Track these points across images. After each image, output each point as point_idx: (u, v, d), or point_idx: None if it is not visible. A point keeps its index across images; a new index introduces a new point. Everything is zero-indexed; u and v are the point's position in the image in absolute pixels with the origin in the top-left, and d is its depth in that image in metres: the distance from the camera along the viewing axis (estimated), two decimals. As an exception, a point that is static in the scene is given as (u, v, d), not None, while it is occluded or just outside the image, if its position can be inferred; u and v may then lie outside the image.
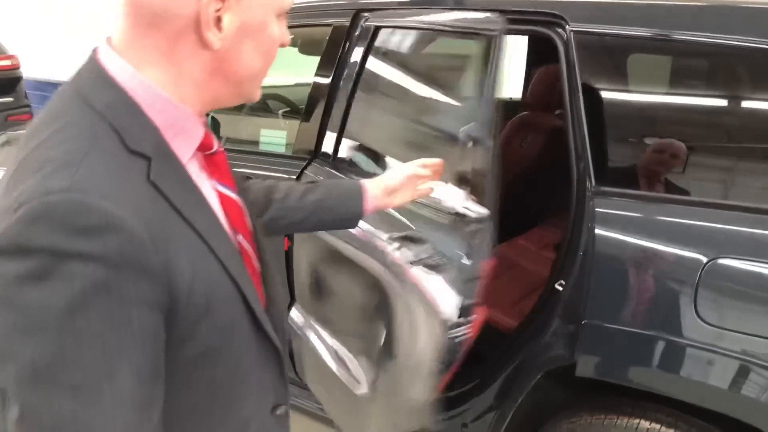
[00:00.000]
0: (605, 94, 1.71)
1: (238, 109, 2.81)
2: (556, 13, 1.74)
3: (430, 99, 2.01)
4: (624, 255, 1.60)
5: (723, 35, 1.54)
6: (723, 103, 1.65)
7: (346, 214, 1.38)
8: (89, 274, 0.65)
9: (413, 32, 2.07)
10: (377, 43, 2.08)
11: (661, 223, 1.59)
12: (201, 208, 0.80)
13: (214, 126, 2.69)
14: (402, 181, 1.42)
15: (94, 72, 0.78)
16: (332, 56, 2.22)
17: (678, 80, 1.69)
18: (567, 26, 1.72)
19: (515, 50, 3.07)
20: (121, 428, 0.67)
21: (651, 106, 1.73)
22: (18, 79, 6.40)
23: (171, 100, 0.78)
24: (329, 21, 2.28)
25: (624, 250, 1.60)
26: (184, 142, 0.81)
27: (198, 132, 0.83)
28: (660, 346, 1.54)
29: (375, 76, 2.12)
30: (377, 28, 2.10)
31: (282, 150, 2.41)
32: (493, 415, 1.84)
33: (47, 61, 7.24)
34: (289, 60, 2.66)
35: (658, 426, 1.60)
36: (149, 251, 0.68)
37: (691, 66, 1.67)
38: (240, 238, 0.89)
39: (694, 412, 1.59)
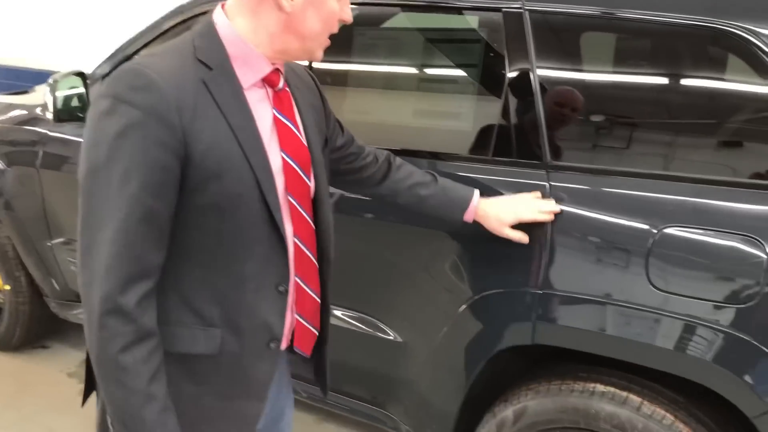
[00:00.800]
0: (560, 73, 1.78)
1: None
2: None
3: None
4: (578, 226, 1.67)
5: (667, 13, 1.61)
6: (668, 80, 1.73)
7: (441, 218, 1.66)
8: (131, 114, 1.02)
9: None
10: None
11: (612, 195, 1.65)
12: (242, 113, 1.13)
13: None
14: (517, 220, 1.63)
15: (206, 19, 1.17)
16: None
17: (625, 57, 1.75)
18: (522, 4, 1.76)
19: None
20: (121, 212, 1.02)
21: (602, 84, 1.80)
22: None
23: (244, 39, 1.14)
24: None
25: (578, 222, 1.67)
26: (248, 71, 1.15)
27: (262, 69, 1.16)
28: (614, 312, 1.62)
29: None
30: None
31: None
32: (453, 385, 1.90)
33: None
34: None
35: (612, 389, 1.67)
36: (172, 112, 1.04)
37: (638, 44, 1.74)
38: (284, 155, 1.19)
39: (645, 375, 1.68)
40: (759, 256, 1.47)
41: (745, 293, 1.48)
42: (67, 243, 2.80)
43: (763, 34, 1.51)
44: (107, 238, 1.03)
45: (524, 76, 1.76)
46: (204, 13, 2.37)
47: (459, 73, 2.07)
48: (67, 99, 2.51)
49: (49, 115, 2.51)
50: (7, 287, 3.09)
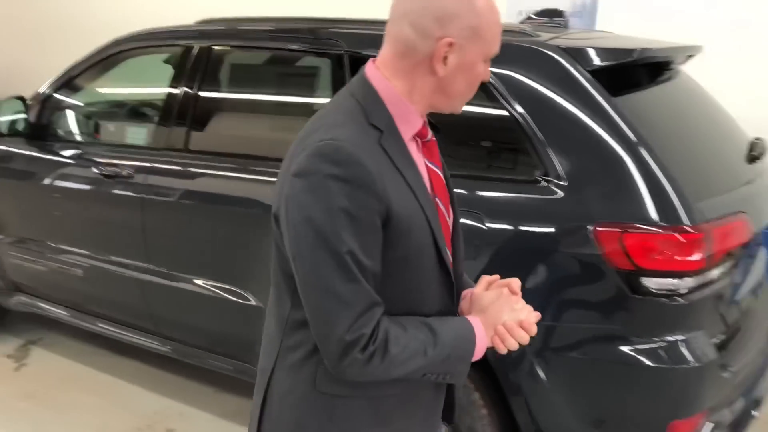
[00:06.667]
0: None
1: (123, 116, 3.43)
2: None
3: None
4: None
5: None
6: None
7: None
8: (339, 189, 1.08)
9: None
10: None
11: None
12: (411, 168, 1.20)
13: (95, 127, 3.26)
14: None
15: (360, 79, 1.23)
16: (182, 70, 2.84)
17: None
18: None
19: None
20: (343, 272, 1.09)
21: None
22: None
23: (404, 100, 1.20)
24: (182, 42, 2.90)
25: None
26: (407, 128, 1.22)
27: (417, 123, 1.23)
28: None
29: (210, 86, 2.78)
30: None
31: (143, 143, 3.04)
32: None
33: None
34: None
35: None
36: (376, 181, 1.10)
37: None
38: (437, 200, 1.26)
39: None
40: (480, 227, 2.09)
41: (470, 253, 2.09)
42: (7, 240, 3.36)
43: (493, 74, 2.14)
44: (334, 293, 1.09)
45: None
46: (138, 48, 3.04)
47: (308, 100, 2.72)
48: (12, 123, 3.10)
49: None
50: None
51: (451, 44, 1.15)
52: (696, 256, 1.93)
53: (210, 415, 3.13)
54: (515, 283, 1.30)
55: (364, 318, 1.11)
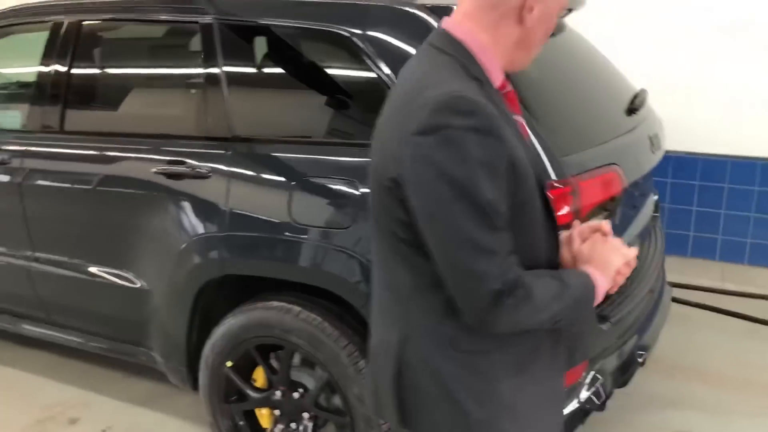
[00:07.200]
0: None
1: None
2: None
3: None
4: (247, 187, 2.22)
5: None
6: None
7: None
8: (472, 139, 1.07)
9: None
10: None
11: (277, 159, 2.21)
12: (510, 117, 1.21)
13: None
14: None
15: (443, 35, 1.22)
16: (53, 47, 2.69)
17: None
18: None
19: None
20: (485, 222, 1.09)
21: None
22: None
23: (492, 50, 1.20)
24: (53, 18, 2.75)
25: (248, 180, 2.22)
26: (494, 79, 1.22)
27: (500, 75, 1.24)
28: (269, 243, 2.19)
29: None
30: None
31: (17, 126, 2.88)
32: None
33: None
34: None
35: (282, 304, 2.23)
36: (502, 127, 1.12)
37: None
38: None
39: (310, 293, 2.24)
40: (354, 193, 2.05)
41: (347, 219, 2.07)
42: None
43: (360, 35, 2.10)
44: (478, 245, 1.09)
45: (214, 71, 2.30)
46: (12, 25, 2.89)
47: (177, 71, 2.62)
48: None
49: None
50: None
51: None
52: (564, 211, 1.94)
53: (117, 401, 3.05)
54: (606, 225, 1.33)
55: (507, 264, 1.12)
